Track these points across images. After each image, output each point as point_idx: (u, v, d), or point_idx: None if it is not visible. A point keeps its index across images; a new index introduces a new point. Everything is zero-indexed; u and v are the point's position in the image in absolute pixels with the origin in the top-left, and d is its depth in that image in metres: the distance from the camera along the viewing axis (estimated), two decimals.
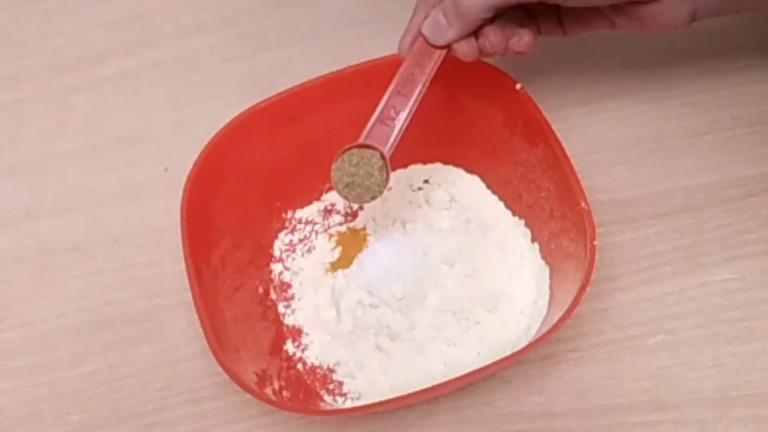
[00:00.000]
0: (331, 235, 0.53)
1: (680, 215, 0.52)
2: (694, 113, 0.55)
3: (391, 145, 0.47)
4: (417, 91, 0.47)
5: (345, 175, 0.47)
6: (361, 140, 0.47)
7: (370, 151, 0.47)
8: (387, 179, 0.47)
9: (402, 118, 0.47)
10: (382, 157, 0.47)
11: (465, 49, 0.47)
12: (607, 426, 0.46)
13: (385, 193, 0.54)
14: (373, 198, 0.48)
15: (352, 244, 0.53)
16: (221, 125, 0.50)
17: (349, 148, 0.47)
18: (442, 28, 0.47)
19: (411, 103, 0.47)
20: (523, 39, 0.48)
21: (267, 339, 0.50)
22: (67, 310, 0.53)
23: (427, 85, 0.48)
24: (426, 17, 0.48)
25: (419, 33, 0.48)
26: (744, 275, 0.49)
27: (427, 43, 0.48)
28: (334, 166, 0.47)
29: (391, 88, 0.48)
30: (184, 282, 0.46)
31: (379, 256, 0.51)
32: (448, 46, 0.48)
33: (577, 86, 0.57)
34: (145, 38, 0.64)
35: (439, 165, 0.55)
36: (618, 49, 0.58)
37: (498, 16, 0.47)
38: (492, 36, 0.47)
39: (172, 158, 0.57)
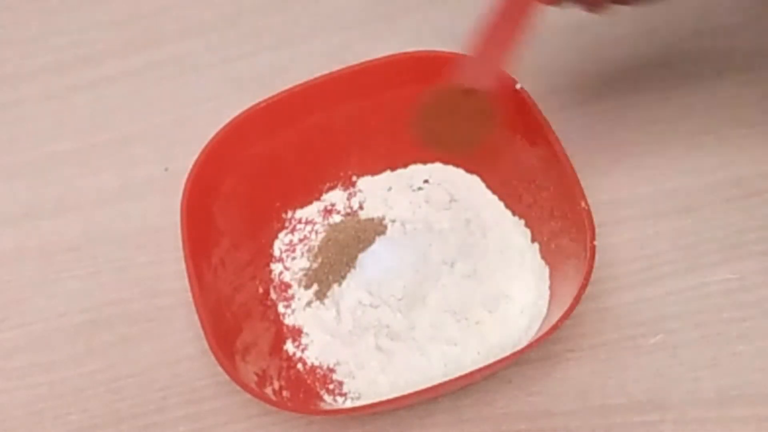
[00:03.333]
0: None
1: (680, 215, 0.52)
2: (694, 113, 0.55)
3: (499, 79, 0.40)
4: (526, 8, 0.40)
5: (434, 122, 0.40)
6: (456, 78, 0.40)
7: (468, 94, 0.40)
8: (492, 127, 0.40)
9: (507, 44, 0.39)
10: (485, 97, 0.40)
11: None
12: (607, 426, 0.46)
13: (385, 192, 0.54)
14: (469, 150, 0.41)
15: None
16: (221, 125, 0.50)
17: (440, 90, 0.40)
18: None
19: (518, 23, 0.40)
20: None
21: (267, 339, 0.50)
22: (67, 310, 0.53)
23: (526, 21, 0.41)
24: None
25: None
26: (744, 275, 0.49)
27: None
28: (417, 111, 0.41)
29: (493, 9, 0.40)
30: (184, 282, 0.46)
31: (379, 256, 0.51)
32: None
33: (577, 86, 0.57)
34: (145, 38, 0.64)
35: (439, 165, 0.55)
36: (618, 50, 0.58)
37: None
38: None
39: (172, 158, 0.57)
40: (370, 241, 0.52)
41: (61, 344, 0.52)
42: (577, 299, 0.43)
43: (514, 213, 0.52)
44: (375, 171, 0.55)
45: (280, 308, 0.51)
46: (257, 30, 0.64)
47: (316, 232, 0.54)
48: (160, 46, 0.64)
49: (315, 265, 0.52)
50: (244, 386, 0.43)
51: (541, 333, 0.45)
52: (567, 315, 0.43)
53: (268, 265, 0.53)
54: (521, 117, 0.49)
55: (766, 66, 0.56)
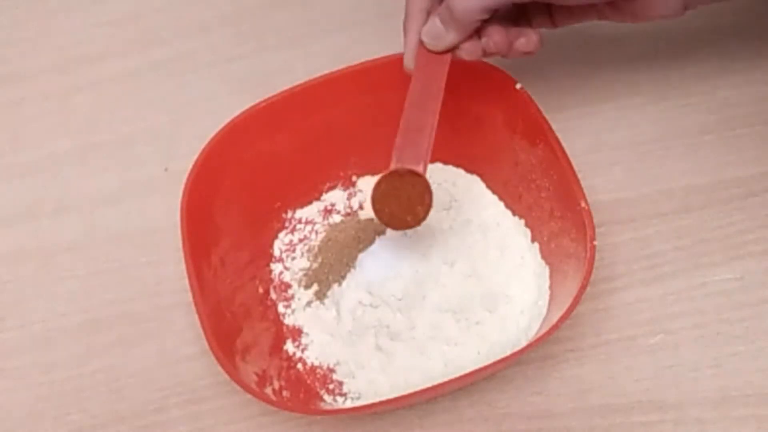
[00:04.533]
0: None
1: (680, 215, 0.52)
2: (694, 113, 0.55)
3: (426, 163, 0.45)
4: (434, 102, 0.46)
5: (387, 205, 0.46)
6: (393, 165, 0.45)
7: (409, 176, 0.45)
8: (431, 202, 0.46)
9: (427, 133, 0.46)
10: (421, 178, 0.45)
11: (469, 49, 0.47)
12: (607, 426, 0.46)
13: None
14: (419, 223, 0.46)
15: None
16: (221, 125, 0.50)
17: (386, 176, 0.45)
18: (440, 33, 0.47)
19: (431, 114, 0.46)
20: (531, 39, 0.47)
21: (267, 339, 0.50)
22: (67, 310, 0.53)
23: (442, 92, 0.47)
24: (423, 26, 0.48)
25: (419, 43, 0.48)
26: (744, 275, 0.49)
27: (429, 50, 0.47)
28: (373, 196, 0.46)
29: (407, 104, 0.47)
30: (184, 282, 0.46)
31: (379, 256, 0.51)
32: (451, 50, 0.47)
33: (577, 86, 0.57)
34: (145, 38, 0.64)
35: (439, 165, 0.55)
36: (618, 50, 0.58)
37: (495, 16, 0.47)
38: (496, 35, 0.47)
39: (172, 158, 0.57)
40: (370, 241, 0.52)
41: (61, 344, 0.52)
42: (577, 299, 0.43)
43: (514, 213, 0.52)
44: (375, 171, 0.54)
45: (280, 308, 0.51)
46: (257, 30, 0.64)
47: (316, 232, 0.54)
48: (160, 46, 0.64)
49: (315, 265, 0.52)
50: (244, 386, 0.43)
51: (541, 333, 0.45)
52: (567, 315, 0.43)
53: (268, 265, 0.53)
54: (521, 117, 0.50)
55: (766, 66, 0.56)
